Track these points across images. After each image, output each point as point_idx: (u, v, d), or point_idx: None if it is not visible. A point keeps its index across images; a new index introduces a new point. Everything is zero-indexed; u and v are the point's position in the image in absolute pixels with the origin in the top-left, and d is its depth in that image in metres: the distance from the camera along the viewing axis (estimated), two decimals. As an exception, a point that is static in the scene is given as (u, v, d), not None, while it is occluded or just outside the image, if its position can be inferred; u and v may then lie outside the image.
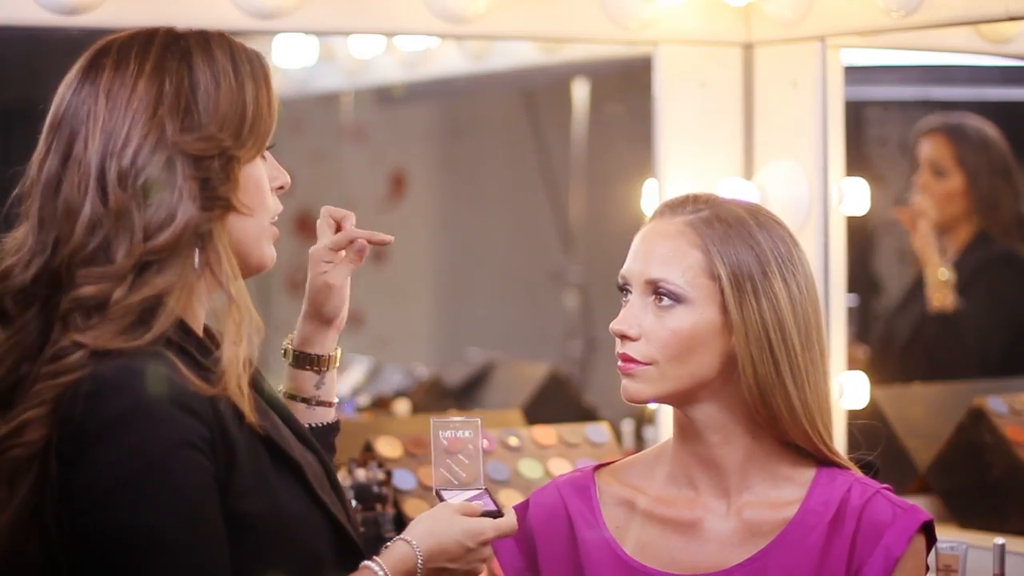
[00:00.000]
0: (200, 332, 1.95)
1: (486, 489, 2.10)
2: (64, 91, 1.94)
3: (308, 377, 2.22)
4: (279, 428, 1.99)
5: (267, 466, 1.92)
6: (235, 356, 1.89)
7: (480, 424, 2.12)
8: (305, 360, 2.22)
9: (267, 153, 2.00)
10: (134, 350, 1.84)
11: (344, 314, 2.23)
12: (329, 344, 2.23)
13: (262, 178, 1.98)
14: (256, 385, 2.02)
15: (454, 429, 2.11)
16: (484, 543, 2.03)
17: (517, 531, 2.08)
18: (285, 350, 2.24)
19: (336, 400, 2.26)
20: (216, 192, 1.90)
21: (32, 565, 1.88)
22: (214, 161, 1.90)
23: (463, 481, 2.09)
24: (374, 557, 1.98)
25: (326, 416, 2.24)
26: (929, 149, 4.03)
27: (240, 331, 1.91)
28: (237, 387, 1.88)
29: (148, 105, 1.90)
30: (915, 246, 4.03)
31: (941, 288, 3.94)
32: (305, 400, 2.22)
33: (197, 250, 1.90)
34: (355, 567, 1.97)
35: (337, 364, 2.24)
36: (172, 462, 1.82)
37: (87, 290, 1.86)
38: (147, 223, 1.87)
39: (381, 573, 1.96)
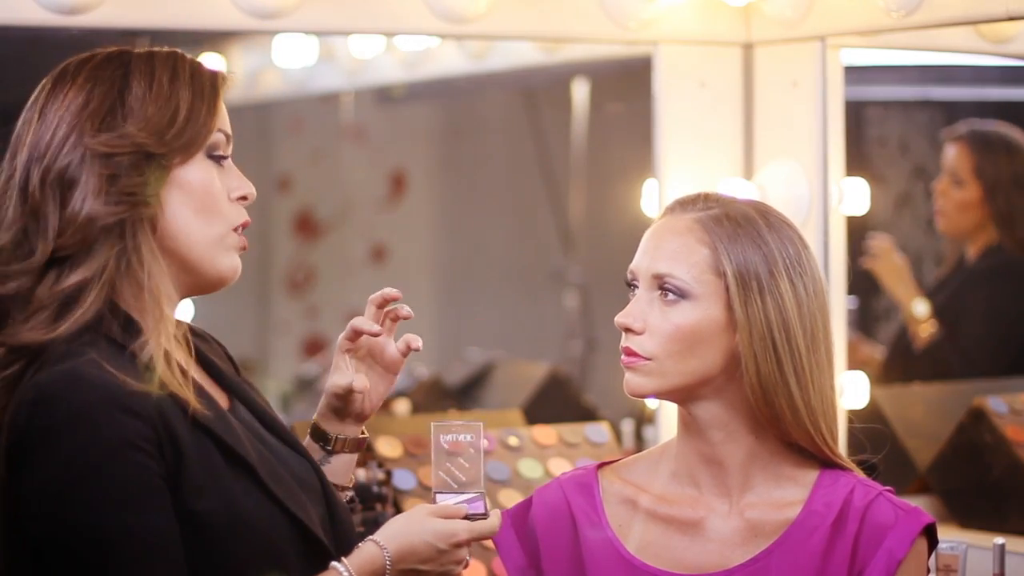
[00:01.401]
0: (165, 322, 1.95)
1: (482, 493, 2.08)
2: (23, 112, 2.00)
3: (316, 449, 2.20)
4: (231, 428, 1.97)
5: (219, 464, 1.92)
6: (156, 348, 1.90)
7: (482, 428, 2.10)
8: (313, 432, 2.20)
9: (228, 163, 2.00)
10: (49, 342, 1.87)
11: (359, 408, 2.19)
12: (340, 427, 2.19)
13: (210, 182, 1.97)
14: (244, 396, 2.03)
15: (455, 433, 2.09)
16: (457, 545, 2.01)
17: (497, 534, 2.06)
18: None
19: (347, 483, 2.19)
20: (122, 187, 1.91)
21: None
22: (124, 158, 1.92)
23: (462, 484, 2.08)
24: (341, 558, 1.97)
25: None
26: (951, 157, 4.01)
27: (158, 326, 1.91)
28: (174, 380, 1.89)
29: (73, 112, 1.93)
30: (887, 287, 4.01)
31: (920, 324, 3.93)
32: None
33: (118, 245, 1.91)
34: (324, 568, 1.96)
35: (346, 450, 2.19)
36: (114, 464, 1.83)
37: (6, 287, 1.90)
38: (61, 221, 1.91)
39: (346, 574, 1.95)
